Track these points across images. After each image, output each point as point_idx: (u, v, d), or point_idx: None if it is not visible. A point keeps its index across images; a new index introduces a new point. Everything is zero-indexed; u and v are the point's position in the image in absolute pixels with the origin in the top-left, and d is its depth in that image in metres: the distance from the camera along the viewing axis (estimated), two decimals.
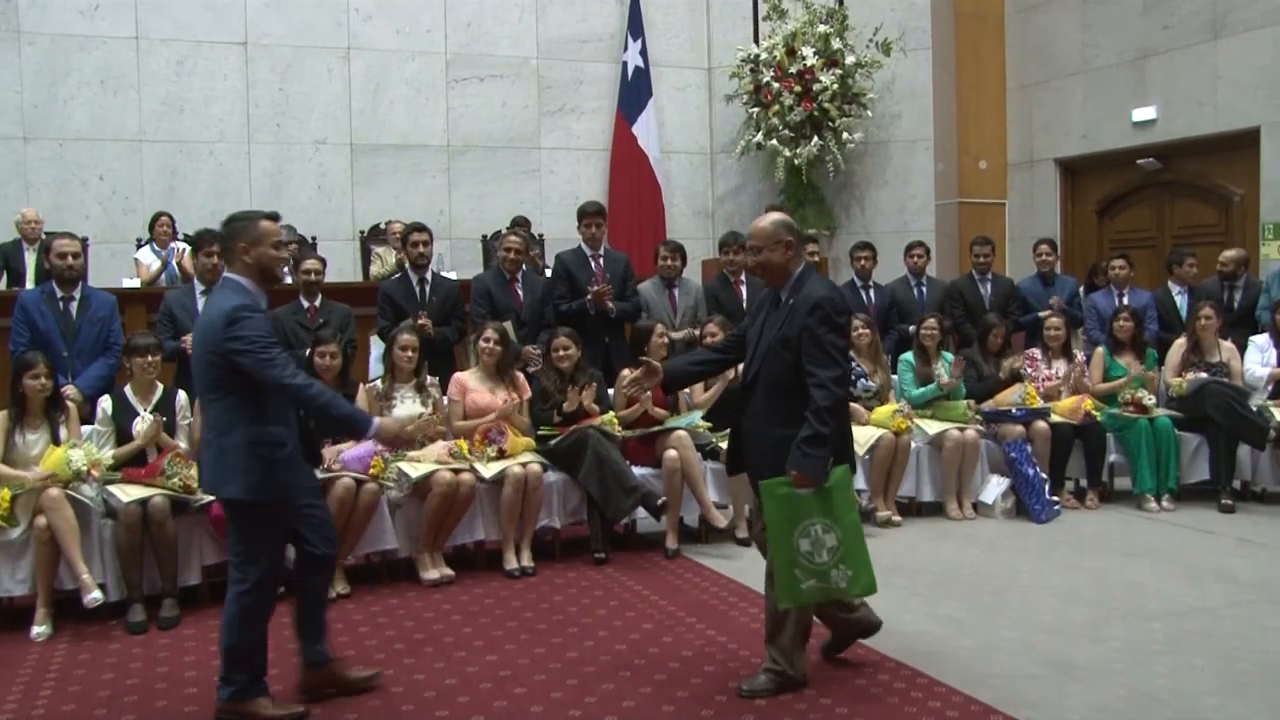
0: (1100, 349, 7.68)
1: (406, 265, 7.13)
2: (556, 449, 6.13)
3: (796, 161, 10.80)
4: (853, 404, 7.04)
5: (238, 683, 3.88)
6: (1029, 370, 7.49)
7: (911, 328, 7.75)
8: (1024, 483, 6.97)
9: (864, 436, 6.81)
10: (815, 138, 10.74)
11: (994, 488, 7.06)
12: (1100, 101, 10.98)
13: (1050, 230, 11.16)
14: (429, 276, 7.06)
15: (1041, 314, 7.99)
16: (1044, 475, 7.01)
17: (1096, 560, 5.94)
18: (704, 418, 6.50)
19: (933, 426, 7.10)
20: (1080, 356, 7.64)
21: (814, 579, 3.80)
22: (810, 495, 3.78)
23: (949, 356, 7.42)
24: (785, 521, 3.80)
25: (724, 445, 6.30)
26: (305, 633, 4.17)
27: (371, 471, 5.61)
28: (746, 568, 5.80)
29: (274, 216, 3.92)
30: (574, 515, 6.20)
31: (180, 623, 5.11)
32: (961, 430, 7.05)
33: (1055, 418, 7.24)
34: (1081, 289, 8.91)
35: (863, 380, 7.13)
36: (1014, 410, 7.18)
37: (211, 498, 5.18)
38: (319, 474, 5.50)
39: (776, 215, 4.13)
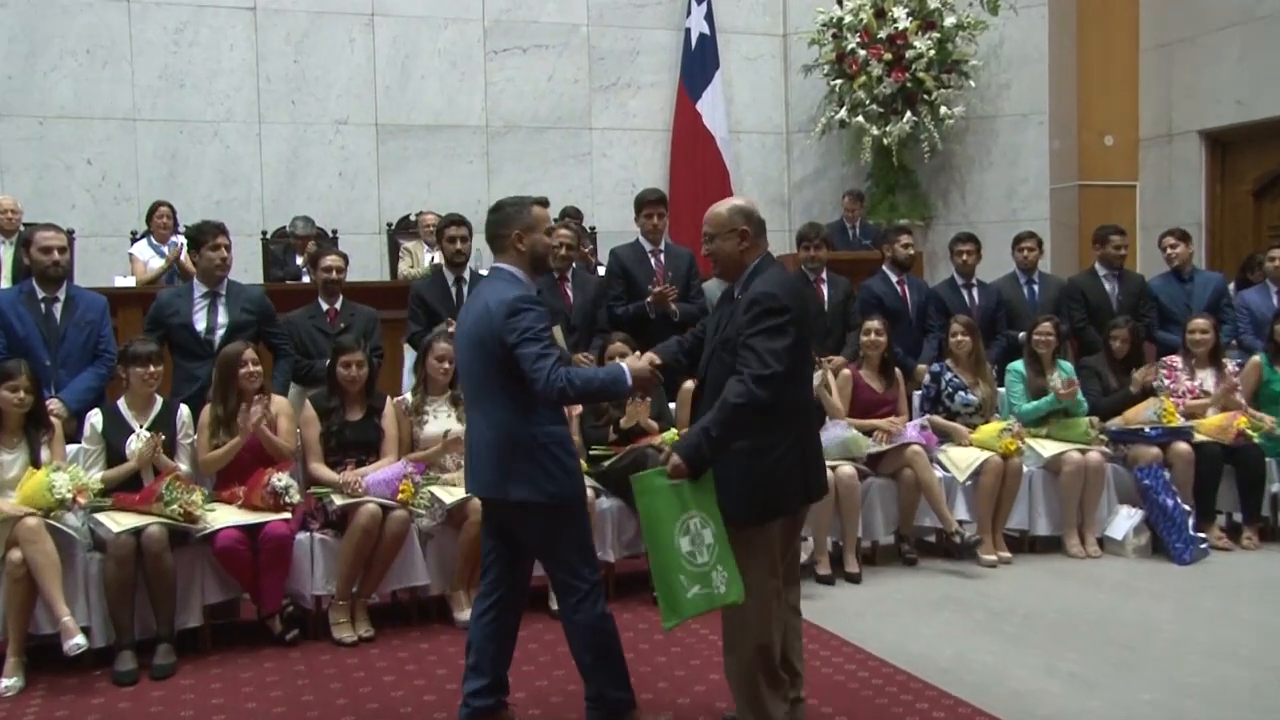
0: (1257, 357, 7.45)
1: (441, 263, 7.14)
2: (611, 471, 6.08)
3: (886, 141, 10.72)
4: (949, 422, 7.01)
5: (614, 700, 4.07)
6: (1166, 382, 7.31)
7: (1021, 333, 7.62)
8: (1161, 516, 6.80)
9: (966, 459, 6.77)
10: (908, 113, 10.66)
11: (1124, 521, 6.90)
12: (1262, 59, 10.52)
13: (1193, 217, 10.89)
14: (466, 276, 7.06)
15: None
16: (1186, 507, 6.82)
17: (1258, 611, 5.74)
18: None
19: (1048, 447, 6.97)
20: (1231, 366, 7.42)
21: (698, 584, 3.75)
22: (686, 485, 3.77)
23: (1066, 367, 7.26)
24: (668, 517, 3.78)
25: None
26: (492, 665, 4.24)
27: (400, 497, 5.59)
28: (830, 609, 5.74)
29: (543, 202, 4.16)
30: (630, 547, 6.15)
31: (176, 672, 5.09)
32: (1083, 452, 6.91)
33: (1200, 438, 7.06)
34: (1231, 286, 8.64)
35: (962, 394, 7.06)
36: (1148, 430, 7.00)
37: (217, 527, 5.23)
38: (338, 500, 5.51)
39: (736, 201, 4.15)
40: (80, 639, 4.94)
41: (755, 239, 4.03)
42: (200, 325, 6.20)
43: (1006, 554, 6.76)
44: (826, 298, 7.60)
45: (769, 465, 3.80)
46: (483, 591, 4.25)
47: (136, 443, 5.48)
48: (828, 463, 6.36)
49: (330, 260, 6.87)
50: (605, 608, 4.05)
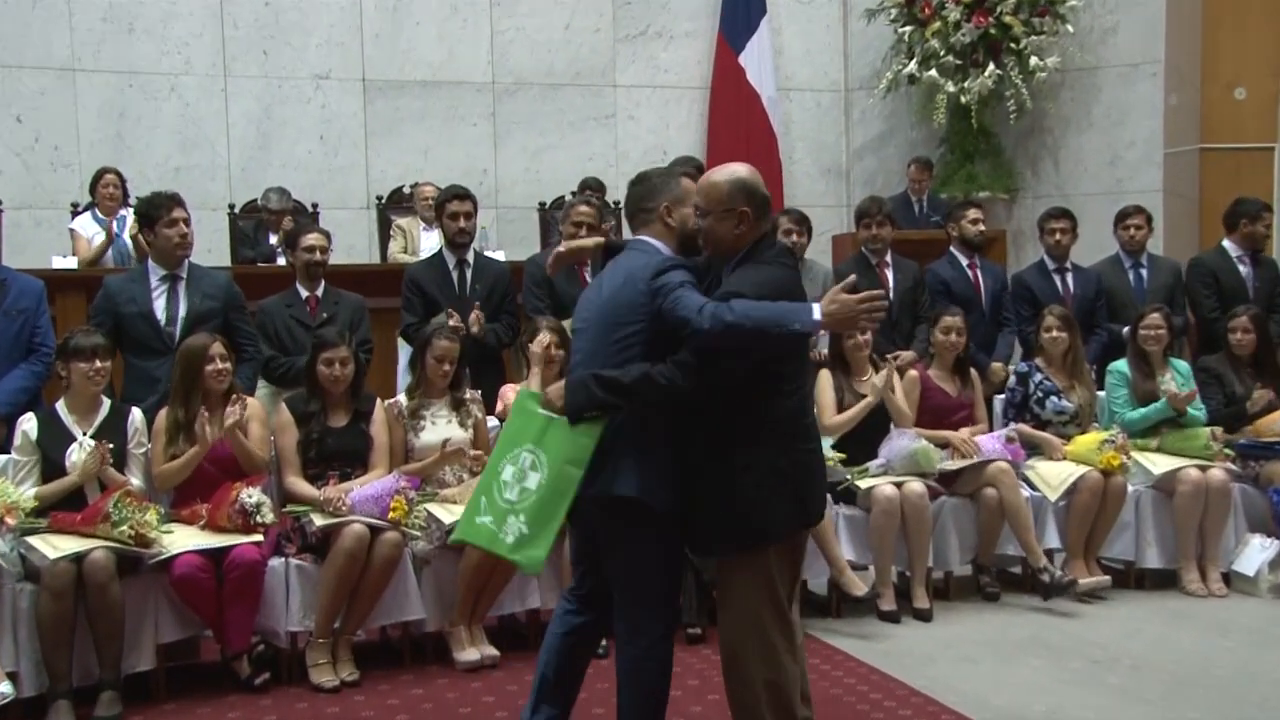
0: None
1: (442, 243, 7.18)
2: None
3: (964, 99, 10.69)
4: (1039, 433, 7.00)
5: None
6: None
7: (1126, 327, 7.57)
8: None
9: (1059, 476, 6.72)
10: (991, 66, 10.61)
11: (1257, 553, 6.85)
12: None
13: None
14: (470, 258, 7.10)
15: None
16: None
17: None
18: (835, 446, 6.46)
19: (1160, 463, 6.93)
20: None
21: (490, 517, 4.04)
22: (547, 421, 4.00)
23: (1181, 367, 7.23)
24: (510, 439, 4.10)
25: (861, 484, 6.39)
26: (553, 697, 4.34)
27: (391, 516, 5.58)
28: (895, 652, 5.73)
29: (694, 172, 4.37)
30: None
31: None
32: (1203, 469, 6.85)
33: None
34: None
35: (1054, 399, 7.02)
36: None
37: (174, 551, 5.22)
38: (318, 520, 5.53)
39: (737, 171, 4.11)
40: (6, 687, 4.94)
41: (756, 221, 4.05)
42: (160, 315, 6.19)
43: (1106, 582, 6.71)
44: (891, 284, 7.58)
45: (751, 484, 3.87)
46: (573, 608, 4.35)
47: (79, 452, 5.48)
48: (893, 477, 6.39)
49: (310, 239, 6.86)
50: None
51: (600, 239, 4.70)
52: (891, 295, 7.51)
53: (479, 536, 4.07)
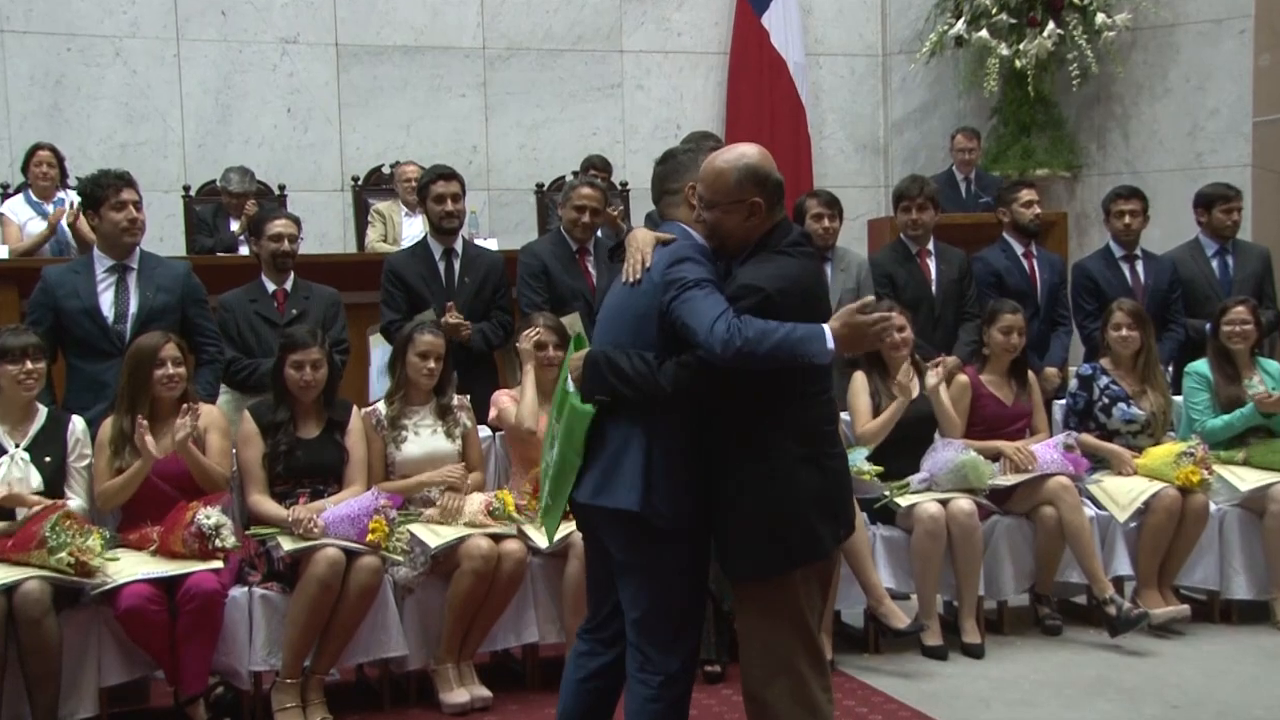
0: None
1: (426, 230, 7.19)
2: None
3: (1019, 63, 10.71)
4: (1105, 443, 6.98)
5: None
6: None
7: (1207, 323, 7.53)
8: None
9: (1128, 493, 6.66)
10: (1051, 24, 10.62)
11: None
12: None
13: None
14: (459, 247, 7.10)
15: None
16: None
17: None
18: (871, 458, 6.44)
19: (1247, 479, 6.89)
20: None
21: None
22: (566, 393, 4.21)
23: (1272, 367, 7.21)
24: (555, 403, 4.38)
25: (902, 501, 6.39)
26: None
27: (370, 538, 5.57)
28: (943, 694, 5.74)
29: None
30: None
31: None
32: None
33: None
34: None
35: (1123, 406, 6.99)
36: None
37: (121, 581, 5.21)
38: (286, 544, 5.52)
39: (747, 155, 4.10)
40: None
41: (769, 211, 4.07)
42: (108, 311, 6.17)
43: (1185, 612, 6.66)
44: (934, 276, 7.57)
45: (777, 497, 3.90)
46: (590, 649, 4.37)
47: (11, 468, 5.50)
48: (938, 494, 6.37)
49: (277, 227, 6.83)
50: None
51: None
52: (934, 288, 7.53)
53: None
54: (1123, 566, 6.70)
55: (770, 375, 3.89)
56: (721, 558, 4.07)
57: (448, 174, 7.13)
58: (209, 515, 5.41)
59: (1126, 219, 8.05)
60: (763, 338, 3.79)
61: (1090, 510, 6.65)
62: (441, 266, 7.04)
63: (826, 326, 3.90)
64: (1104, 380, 7.05)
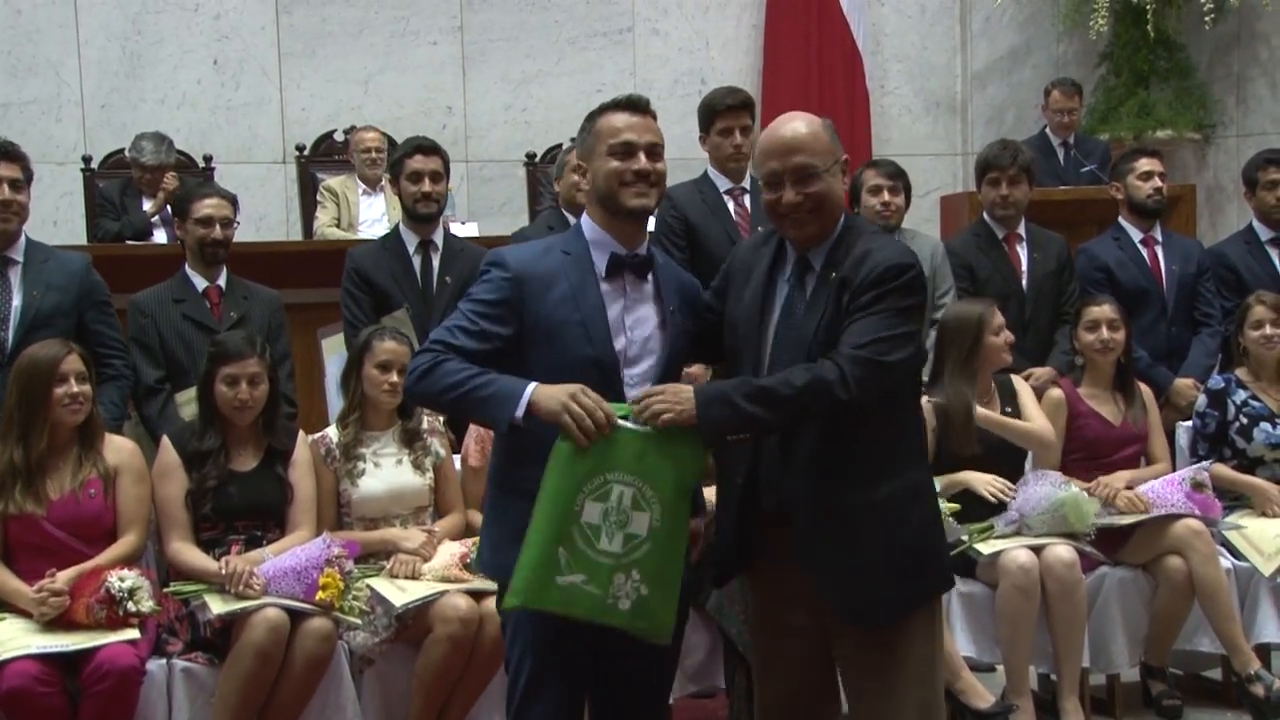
0: None
1: (388, 214, 7.16)
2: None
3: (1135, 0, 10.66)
4: (1244, 476, 6.96)
5: None
6: None
7: None
8: None
9: (1275, 539, 6.60)
10: None
11: None
12: None
13: None
14: (439, 239, 7.13)
15: None
16: None
17: None
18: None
19: None
20: None
21: (581, 575, 3.98)
22: (643, 439, 4.02)
23: None
24: (586, 464, 4.00)
25: (985, 549, 6.39)
26: None
27: (320, 596, 5.57)
28: None
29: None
30: (698, 678, 6.19)
31: None
32: None
33: None
34: None
35: (1265, 427, 6.98)
36: None
37: (3, 657, 5.17)
38: (217, 605, 5.50)
39: (812, 117, 4.28)
40: None
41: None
42: None
43: None
44: (1025, 268, 7.59)
45: (922, 515, 4.07)
46: None
47: None
48: (1030, 539, 6.36)
49: (207, 208, 6.80)
50: None
51: None
52: (1025, 283, 7.51)
53: (574, 604, 4.01)
54: (1269, 632, 6.60)
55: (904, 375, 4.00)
56: (866, 597, 4.07)
57: (427, 147, 7.13)
58: (123, 578, 5.38)
59: (1275, 191, 8.03)
60: (437, 382, 4.10)
61: (1227, 561, 6.60)
62: (418, 261, 7.06)
63: (530, 389, 4.00)
64: (1241, 395, 7.01)
